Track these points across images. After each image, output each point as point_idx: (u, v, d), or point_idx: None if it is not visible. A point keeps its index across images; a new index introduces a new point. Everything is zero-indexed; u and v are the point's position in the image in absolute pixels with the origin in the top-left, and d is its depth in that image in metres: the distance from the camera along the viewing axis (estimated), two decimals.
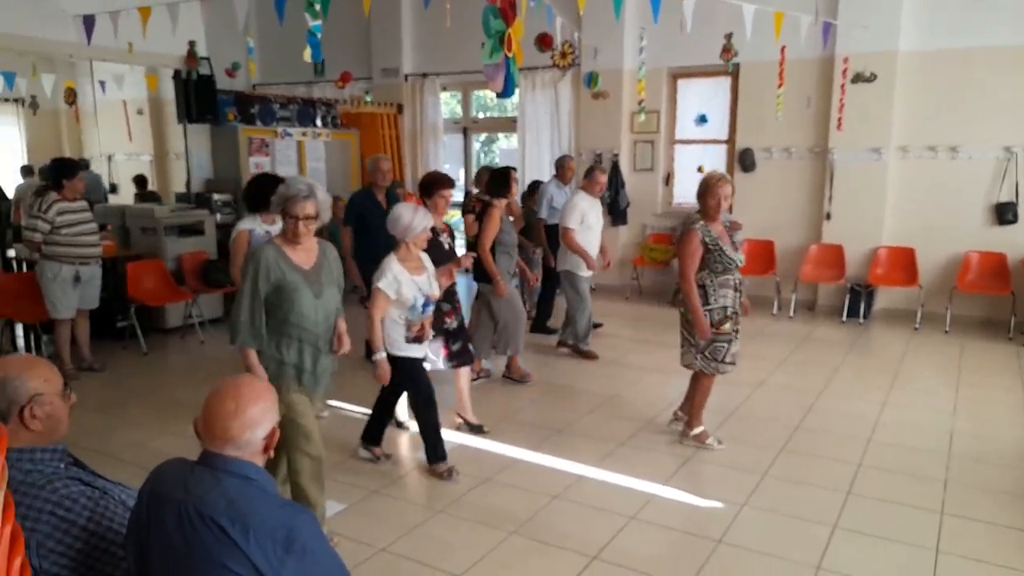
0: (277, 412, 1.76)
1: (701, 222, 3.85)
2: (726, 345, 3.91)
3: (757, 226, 7.60)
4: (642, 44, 7.06)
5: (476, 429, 4.35)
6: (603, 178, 5.80)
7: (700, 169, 8.19)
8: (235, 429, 1.65)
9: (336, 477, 3.72)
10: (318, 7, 3.51)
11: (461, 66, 8.82)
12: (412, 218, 3.49)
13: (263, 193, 3.85)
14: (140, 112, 8.89)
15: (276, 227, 3.90)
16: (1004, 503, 3.46)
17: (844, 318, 7.04)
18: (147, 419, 4.57)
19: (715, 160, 8.13)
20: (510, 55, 3.99)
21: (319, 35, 3.48)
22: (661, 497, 3.57)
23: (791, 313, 7.28)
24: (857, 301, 7.02)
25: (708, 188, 3.83)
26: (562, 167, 6.65)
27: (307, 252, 2.95)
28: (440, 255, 3.99)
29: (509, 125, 9.73)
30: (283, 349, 2.93)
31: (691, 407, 4.13)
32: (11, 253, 5.98)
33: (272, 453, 1.77)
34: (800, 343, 6.34)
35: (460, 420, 4.39)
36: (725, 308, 3.89)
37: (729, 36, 7.23)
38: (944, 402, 4.82)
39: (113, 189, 9.19)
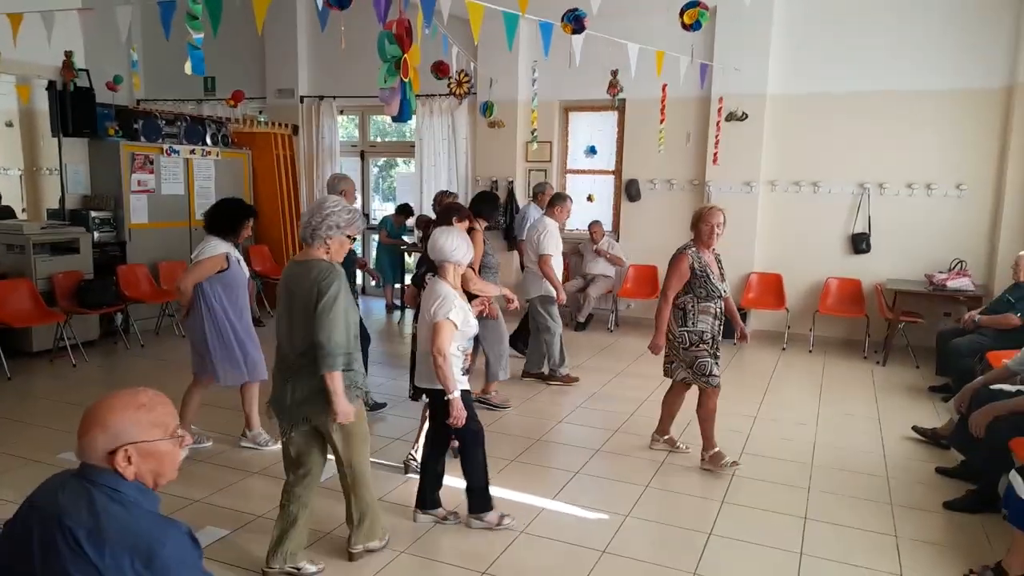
0: (145, 432, 1.59)
1: (693, 248, 4.11)
2: (709, 361, 4.13)
3: (642, 251, 8.03)
4: (534, 76, 7.35)
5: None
6: (570, 205, 5.91)
7: (590, 198, 8.59)
8: (83, 441, 1.57)
9: (216, 501, 3.59)
10: (201, 19, 3.46)
11: (359, 90, 8.83)
12: (461, 243, 3.33)
13: (237, 218, 4.18)
14: (9, 124, 8.30)
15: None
16: (860, 508, 3.78)
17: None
18: (11, 447, 4.23)
19: (604, 189, 8.53)
20: (406, 80, 4.09)
21: (201, 47, 3.42)
22: (550, 511, 3.68)
23: None
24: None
25: (701, 216, 4.12)
26: (541, 193, 6.84)
27: None
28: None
29: (407, 150, 9.80)
30: (356, 365, 2.96)
31: (705, 431, 4.22)
32: None
33: (130, 475, 1.58)
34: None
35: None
36: (702, 333, 4.11)
37: (615, 73, 7.65)
38: (807, 415, 5.24)
39: None
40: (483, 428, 3.44)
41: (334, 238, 2.90)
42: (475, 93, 8.58)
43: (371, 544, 3.17)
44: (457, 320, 3.17)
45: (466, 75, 8.11)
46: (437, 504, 3.53)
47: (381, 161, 10.77)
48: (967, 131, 6.86)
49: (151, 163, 7.38)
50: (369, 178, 10.19)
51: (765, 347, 7.31)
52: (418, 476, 3.61)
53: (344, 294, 2.85)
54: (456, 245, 3.30)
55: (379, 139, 10.30)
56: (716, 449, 4.22)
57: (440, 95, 8.69)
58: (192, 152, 7.82)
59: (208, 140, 8.13)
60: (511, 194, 8.52)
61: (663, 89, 7.02)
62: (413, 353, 3.71)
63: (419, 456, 3.73)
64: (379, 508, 3.23)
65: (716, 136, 7.53)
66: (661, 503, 3.81)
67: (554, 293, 5.65)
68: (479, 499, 3.45)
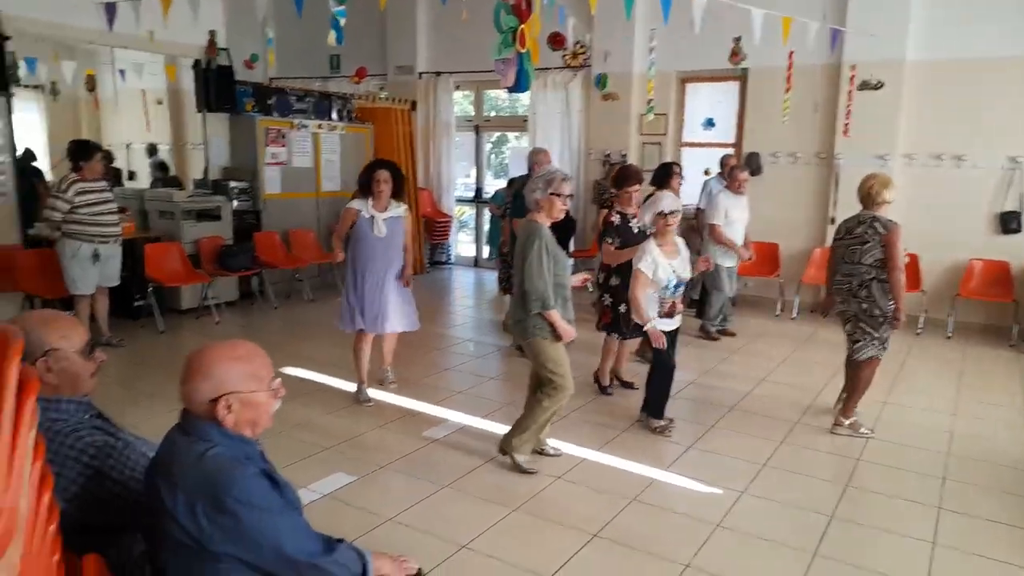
0: (244, 383, 1.71)
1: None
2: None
3: (762, 228, 7.67)
4: (652, 45, 7.16)
5: (627, 385, 5.05)
6: (742, 175, 6.29)
7: (707, 172, 8.32)
8: (186, 387, 1.71)
9: (345, 452, 3.83)
10: None
11: (475, 65, 8.95)
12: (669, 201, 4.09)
13: (364, 177, 4.56)
14: (159, 102, 9.03)
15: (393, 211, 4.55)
16: (1003, 501, 3.53)
17: None
18: (163, 392, 4.70)
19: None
20: (523, 51, 4.11)
21: (342, 20, 3.58)
22: (661, 482, 3.67)
23: (794, 314, 7.37)
24: None
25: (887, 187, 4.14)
26: (724, 165, 7.14)
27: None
28: (630, 238, 4.64)
29: (520, 124, 9.85)
30: (560, 308, 3.51)
31: (854, 398, 4.31)
32: (32, 232, 6.11)
33: (229, 423, 1.71)
34: (803, 343, 6.43)
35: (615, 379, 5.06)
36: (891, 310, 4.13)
37: (738, 40, 7.32)
38: (944, 403, 4.90)
39: (131, 176, 9.31)
40: (673, 365, 4.24)
41: (541, 200, 3.52)
42: (589, 65, 8.49)
43: (518, 455, 3.70)
44: (645, 269, 3.93)
45: (582, 46, 8.04)
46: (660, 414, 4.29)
47: (494, 136, 10.90)
48: None
49: (283, 137, 7.83)
50: (483, 153, 10.34)
51: (897, 331, 6.85)
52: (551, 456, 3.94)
53: (546, 248, 3.44)
54: (661, 202, 4.08)
55: (493, 114, 10.42)
56: (855, 417, 4.34)
57: (554, 68, 8.67)
58: (319, 127, 8.23)
59: (334, 115, 8.52)
60: None
61: (790, 56, 6.67)
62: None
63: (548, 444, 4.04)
64: (539, 433, 3.76)
65: (847, 106, 7.09)
66: (779, 481, 3.70)
67: (720, 260, 6.15)
68: (654, 408, 4.29)
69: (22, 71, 8.09)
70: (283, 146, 7.83)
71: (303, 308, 7.37)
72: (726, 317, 6.59)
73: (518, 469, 3.68)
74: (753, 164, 7.80)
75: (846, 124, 7.13)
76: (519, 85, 4.34)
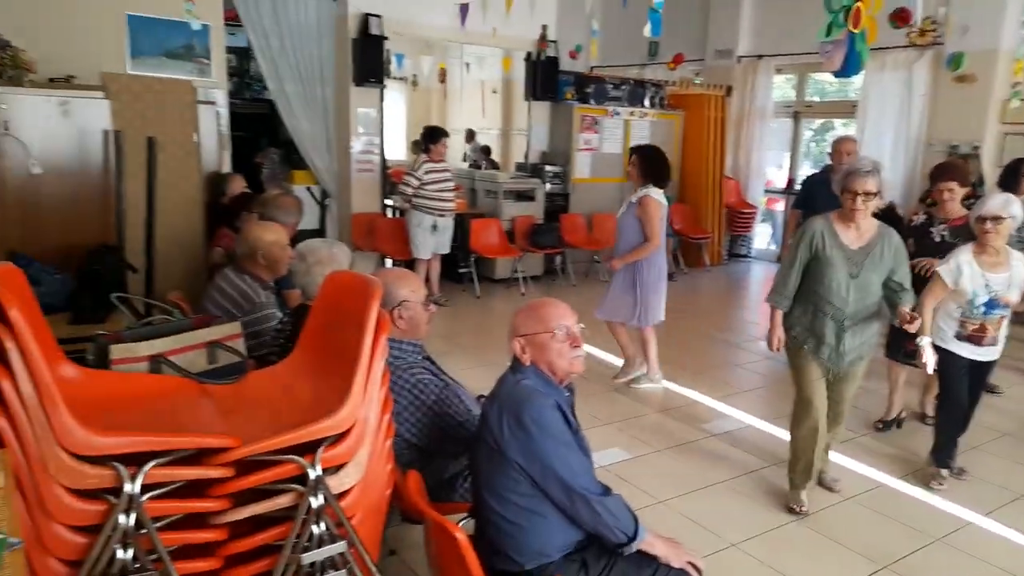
0: (532, 327, 2.03)
1: None
2: None
3: None
4: None
5: (922, 418, 4.31)
6: None
7: None
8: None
9: (624, 430, 4.01)
10: None
11: (800, 47, 8.37)
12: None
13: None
14: (494, 91, 10.10)
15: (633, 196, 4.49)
16: None
17: None
18: (474, 348, 5.36)
19: None
20: (856, 31, 3.78)
21: (660, 11, 3.67)
22: (978, 527, 3.19)
23: None
24: None
25: None
26: None
27: (859, 232, 3.04)
28: (927, 246, 3.88)
29: (848, 110, 8.98)
30: (807, 316, 3.14)
31: None
32: (388, 202, 7.36)
33: (526, 361, 2.04)
34: None
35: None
36: None
37: None
38: None
39: (464, 158, 10.62)
40: (960, 404, 3.48)
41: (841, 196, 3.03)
42: (941, 43, 7.40)
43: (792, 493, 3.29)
44: (944, 274, 3.29)
45: (933, 22, 7.05)
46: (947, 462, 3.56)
47: (816, 123, 10.10)
48: None
49: (596, 124, 8.22)
50: (800, 142, 9.66)
51: None
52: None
53: (803, 245, 3.09)
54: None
55: (816, 99, 9.66)
56: None
57: (895, 47, 7.72)
58: (631, 114, 8.46)
59: (646, 103, 8.68)
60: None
61: None
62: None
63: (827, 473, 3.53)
64: (807, 471, 3.25)
65: None
66: None
67: None
68: (935, 449, 3.57)
69: (392, 66, 9.68)
70: (595, 133, 8.22)
71: (599, 288, 7.70)
72: None
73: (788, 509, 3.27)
74: None
75: None
76: (848, 68, 4.00)
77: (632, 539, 1.91)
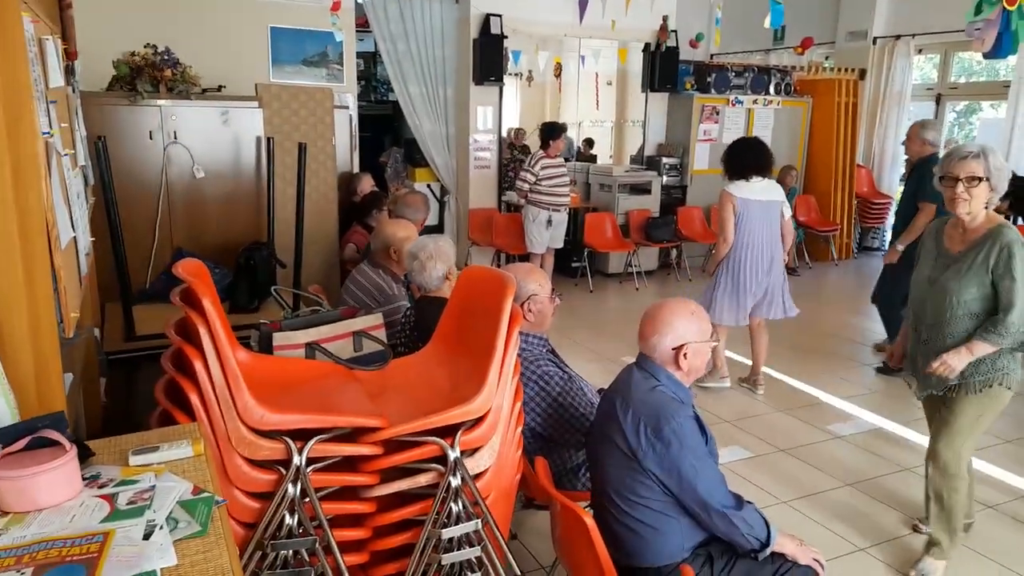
0: (698, 334, 2.00)
1: None
2: None
3: None
4: None
5: None
6: None
7: None
8: (646, 330, 2.04)
9: (745, 428, 3.94)
10: None
11: (943, 24, 7.78)
12: None
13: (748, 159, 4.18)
14: (609, 83, 10.04)
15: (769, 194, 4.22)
16: None
17: None
18: (588, 343, 5.41)
19: None
20: (1011, 8, 3.50)
21: (783, 1, 3.56)
22: None
23: None
24: None
25: None
26: None
27: (965, 232, 2.50)
28: None
29: (999, 91, 8.25)
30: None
31: None
32: (504, 198, 7.53)
33: (685, 368, 1.99)
34: None
35: None
36: None
37: None
38: None
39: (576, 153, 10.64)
40: None
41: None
42: None
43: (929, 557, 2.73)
44: None
45: None
46: None
47: (960, 105, 9.36)
48: None
49: (717, 113, 8.02)
50: (943, 125, 8.98)
51: None
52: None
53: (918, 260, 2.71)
54: None
55: (961, 80, 8.94)
56: None
57: None
58: (754, 102, 8.18)
59: (771, 89, 8.36)
60: None
61: None
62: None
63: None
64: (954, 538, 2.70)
65: None
66: None
67: None
68: None
69: (509, 63, 9.84)
70: (716, 123, 8.01)
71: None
72: None
73: None
74: None
75: None
76: (1000, 50, 3.72)
77: (766, 545, 1.92)
